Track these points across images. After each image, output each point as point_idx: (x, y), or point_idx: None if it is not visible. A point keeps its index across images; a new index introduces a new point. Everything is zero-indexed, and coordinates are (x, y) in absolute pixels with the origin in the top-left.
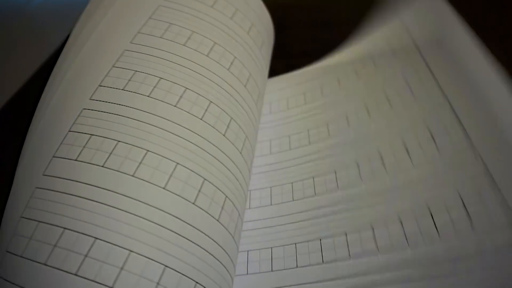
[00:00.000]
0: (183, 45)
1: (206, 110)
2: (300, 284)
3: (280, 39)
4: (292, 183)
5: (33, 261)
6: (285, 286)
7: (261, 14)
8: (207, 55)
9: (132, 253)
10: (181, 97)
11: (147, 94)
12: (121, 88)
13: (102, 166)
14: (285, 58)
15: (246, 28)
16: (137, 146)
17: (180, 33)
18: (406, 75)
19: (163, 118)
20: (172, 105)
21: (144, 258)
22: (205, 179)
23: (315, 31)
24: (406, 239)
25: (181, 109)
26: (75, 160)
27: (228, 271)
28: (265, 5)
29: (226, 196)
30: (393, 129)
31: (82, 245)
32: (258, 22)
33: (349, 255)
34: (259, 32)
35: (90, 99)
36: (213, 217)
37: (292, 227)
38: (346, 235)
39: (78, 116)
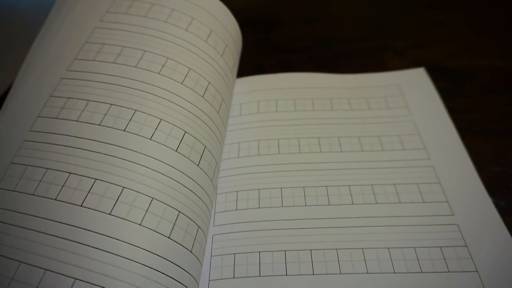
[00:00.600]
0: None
1: (179, 140)
2: None
3: (269, 34)
4: (259, 190)
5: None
6: None
7: (222, 18)
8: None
9: None
10: (152, 127)
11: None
12: (56, 117)
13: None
14: (274, 54)
15: (204, 36)
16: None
17: (123, 53)
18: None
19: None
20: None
21: None
22: (168, 205)
23: (305, 26)
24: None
25: (156, 142)
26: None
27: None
28: (253, 1)
29: (179, 212)
30: (363, 169)
31: None
32: (219, 27)
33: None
34: (220, 38)
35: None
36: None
37: (256, 234)
38: (311, 251)
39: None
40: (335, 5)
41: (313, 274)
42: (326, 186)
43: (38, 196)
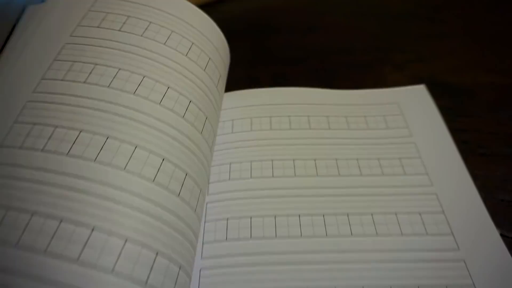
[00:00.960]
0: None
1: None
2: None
3: (263, 44)
4: (250, 217)
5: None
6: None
7: (205, 29)
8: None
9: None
10: (126, 155)
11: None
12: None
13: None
14: (268, 65)
15: (184, 50)
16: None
17: (95, 71)
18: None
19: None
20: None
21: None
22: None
23: (300, 36)
24: None
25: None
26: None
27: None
28: (247, 9)
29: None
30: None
31: None
32: (201, 40)
33: None
34: (202, 51)
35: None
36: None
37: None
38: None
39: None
40: (331, 14)
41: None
42: (323, 215)
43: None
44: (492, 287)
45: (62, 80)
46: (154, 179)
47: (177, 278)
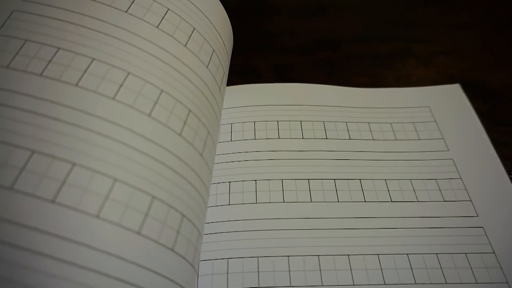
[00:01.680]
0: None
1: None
2: None
3: (262, 27)
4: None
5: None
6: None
7: (208, 10)
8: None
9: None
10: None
11: None
12: None
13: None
14: (270, 54)
15: (184, 38)
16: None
17: (56, 60)
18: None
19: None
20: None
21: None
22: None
23: (306, 20)
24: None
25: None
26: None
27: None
28: None
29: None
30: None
31: None
32: (204, 24)
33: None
34: (205, 40)
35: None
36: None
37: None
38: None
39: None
40: None
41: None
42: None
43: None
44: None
45: None
46: (150, 113)
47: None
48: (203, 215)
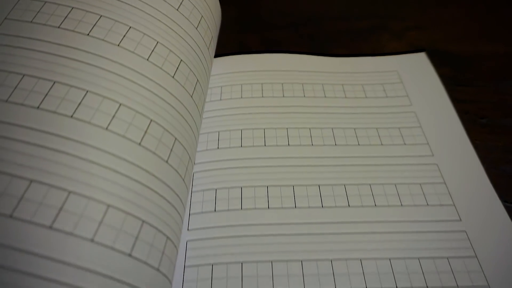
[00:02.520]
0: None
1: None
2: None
3: (252, 8)
4: (241, 187)
5: None
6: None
7: None
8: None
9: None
10: (109, 113)
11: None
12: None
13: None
14: (258, 31)
15: (176, 3)
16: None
17: (73, 16)
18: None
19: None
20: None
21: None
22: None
23: (291, 0)
24: None
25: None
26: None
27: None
28: None
29: (176, 138)
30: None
31: None
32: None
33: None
34: (194, 6)
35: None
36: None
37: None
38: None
39: None
40: None
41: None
42: (319, 185)
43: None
44: (495, 258)
45: (31, 22)
46: (140, 142)
47: (164, 249)
48: (180, 232)
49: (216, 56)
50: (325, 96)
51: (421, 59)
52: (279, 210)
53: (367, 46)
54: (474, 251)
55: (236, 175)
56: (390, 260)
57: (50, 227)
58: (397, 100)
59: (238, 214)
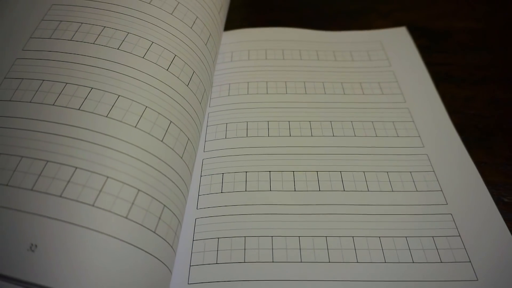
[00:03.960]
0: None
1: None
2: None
3: None
4: (247, 122)
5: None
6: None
7: None
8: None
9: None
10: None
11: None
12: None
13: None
14: (264, 13)
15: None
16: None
17: None
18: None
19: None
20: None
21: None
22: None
23: None
24: None
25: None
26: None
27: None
28: None
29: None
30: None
31: None
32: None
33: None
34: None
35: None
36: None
37: (245, 163)
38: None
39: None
40: None
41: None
42: (309, 121)
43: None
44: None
45: (49, 38)
46: (136, 125)
47: (160, 215)
48: (182, 207)
49: (227, 30)
50: (318, 59)
51: (402, 32)
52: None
53: (357, 24)
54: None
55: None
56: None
57: (60, 196)
58: (378, 63)
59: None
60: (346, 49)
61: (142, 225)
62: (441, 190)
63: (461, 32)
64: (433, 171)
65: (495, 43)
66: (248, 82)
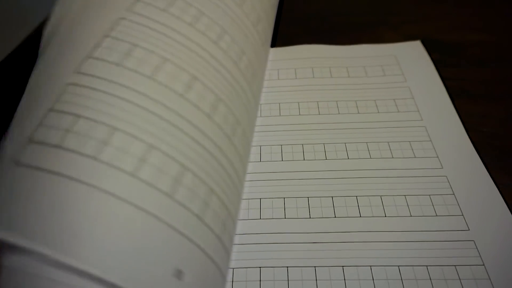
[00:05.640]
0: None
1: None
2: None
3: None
4: (260, 146)
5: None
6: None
7: None
8: (194, 27)
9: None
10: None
11: (133, 69)
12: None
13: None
14: (275, 27)
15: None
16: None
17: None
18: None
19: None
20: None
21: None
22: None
23: (302, 0)
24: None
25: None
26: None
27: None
28: None
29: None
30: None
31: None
32: None
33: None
34: (253, 6)
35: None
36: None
37: (280, 188)
38: (332, 198)
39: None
40: None
41: (310, 218)
42: (324, 144)
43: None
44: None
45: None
46: (182, 94)
47: (205, 198)
48: (234, 197)
49: None
50: (331, 77)
51: (416, 46)
52: (292, 162)
53: (368, 37)
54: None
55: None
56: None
57: (95, 158)
58: (393, 78)
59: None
60: (360, 64)
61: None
62: (462, 215)
63: (474, 45)
64: (453, 194)
65: (510, 57)
66: (260, 104)
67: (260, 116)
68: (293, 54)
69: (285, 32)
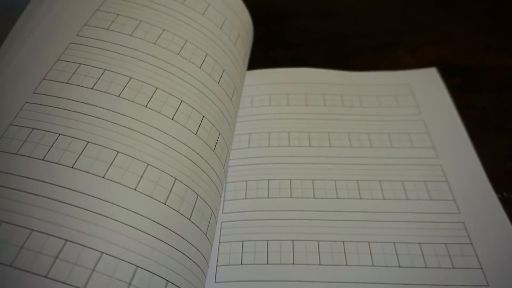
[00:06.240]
0: (140, 38)
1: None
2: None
3: (280, 29)
4: (268, 180)
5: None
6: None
7: (236, 8)
8: (170, 50)
9: (103, 254)
10: (139, 91)
11: (91, 87)
12: (66, 81)
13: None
14: (286, 49)
15: (219, 23)
16: (106, 147)
17: (129, 23)
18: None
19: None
20: (133, 101)
21: (116, 259)
22: (176, 179)
23: (315, 22)
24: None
25: (143, 106)
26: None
27: (201, 269)
28: None
29: (198, 195)
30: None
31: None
32: (232, 16)
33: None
34: (233, 26)
35: (34, 93)
36: (185, 216)
37: (266, 223)
38: (317, 243)
39: (21, 109)
40: (344, 1)
41: (320, 264)
42: (335, 180)
43: (23, 155)
44: (488, 245)
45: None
46: (173, 117)
47: (195, 203)
48: (216, 199)
49: (249, 69)
50: (343, 106)
51: (432, 74)
52: (299, 200)
53: (384, 61)
54: (470, 239)
55: (264, 170)
56: (394, 243)
57: (103, 177)
58: (407, 110)
59: (265, 201)
60: (373, 93)
61: (178, 212)
62: (481, 268)
63: (496, 70)
64: (471, 243)
65: None
66: (269, 133)
67: (269, 146)
68: (305, 78)
69: (299, 54)
